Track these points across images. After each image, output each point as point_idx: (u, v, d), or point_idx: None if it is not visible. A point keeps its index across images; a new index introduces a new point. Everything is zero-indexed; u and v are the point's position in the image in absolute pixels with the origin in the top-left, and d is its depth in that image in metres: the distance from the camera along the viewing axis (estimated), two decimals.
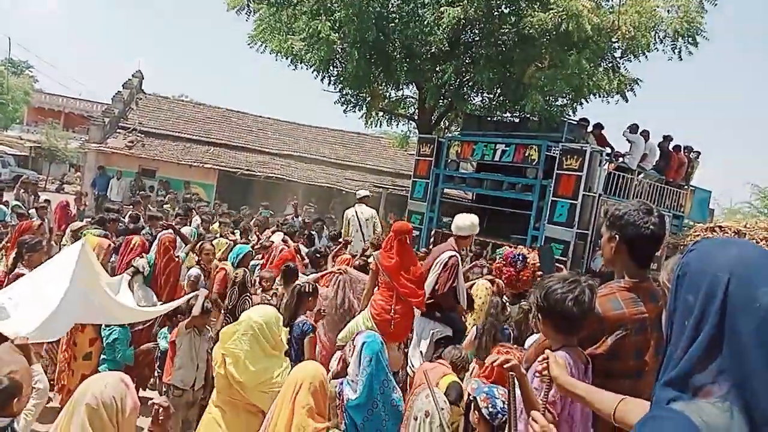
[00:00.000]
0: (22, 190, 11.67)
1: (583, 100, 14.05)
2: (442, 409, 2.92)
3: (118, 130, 20.25)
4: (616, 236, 2.56)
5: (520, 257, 6.59)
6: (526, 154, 11.21)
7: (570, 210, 10.33)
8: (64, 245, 6.98)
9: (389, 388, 3.33)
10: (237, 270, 6.11)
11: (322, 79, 14.81)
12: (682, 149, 13.12)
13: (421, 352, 5.56)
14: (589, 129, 12.30)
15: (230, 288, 5.71)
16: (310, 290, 5.11)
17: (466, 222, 5.90)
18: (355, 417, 3.16)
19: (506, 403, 2.87)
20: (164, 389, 5.24)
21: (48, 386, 3.47)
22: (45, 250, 5.70)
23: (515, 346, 4.49)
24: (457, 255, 5.72)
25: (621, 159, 11.84)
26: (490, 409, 3.01)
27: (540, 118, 12.43)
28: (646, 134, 12.05)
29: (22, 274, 5.01)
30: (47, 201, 9.98)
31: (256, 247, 7.96)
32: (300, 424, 2.88)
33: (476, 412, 3.09)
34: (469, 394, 3.25)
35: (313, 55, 13.04)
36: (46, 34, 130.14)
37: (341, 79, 14.68)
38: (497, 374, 3.70)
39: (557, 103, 13.85)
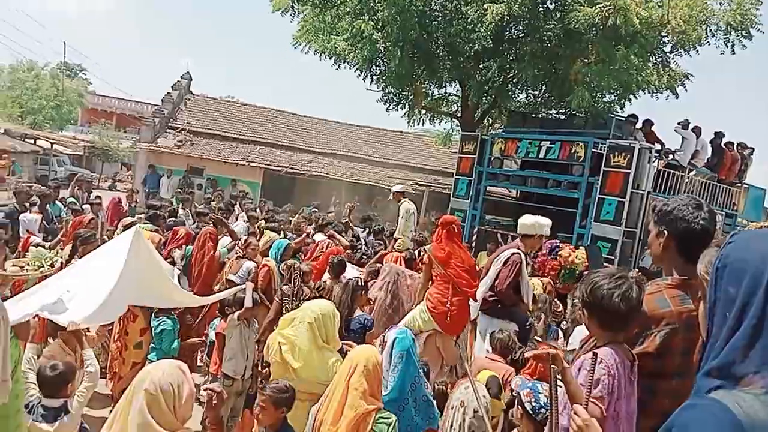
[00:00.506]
0: (76, 188, 12.12)
1: (631, 96, 13.72)
2: (484, 396, 2.92)
3: (167, 130, 20.82)
4: (665, 232, 2.51)
5: (556, 248, 6.60)
6: (572, 151, 11.03)
7: (617, 208, 10.13)
8: None
9: (420, 384, 3.36)
10: (288, 261, 6.19)
11: (365, 78, 14.92)
12: (735, 146, 12.69)
13: (487, 350, 5.54)
14: (639, 126, 12.02)
15: (292, 275, 5.72)
16: (362, 284, 5.21)
17: (529, 221, 5.91)
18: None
19: (549, 397, 2.88)
20: (210, 379, 5.38)
21: (99, 370, 3.60)
22: (98, 243, 5.92)
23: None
24: (520, 253, 5.68)
25: (671, 156, 11.54)
26: (533, 404, 3.01)
27: (586, 114, 12.23)
28: (697, 130, 11.71)
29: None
30: (99, 197, 10.35)
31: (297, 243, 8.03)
32: (352, 404, 2.94)
33: (519, 407, 3.09)
34: (512, 390, 3.25)
35: (356, 54, 13.15)
36: (97, 37, 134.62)
37: (384, 77, 14.74)
38: (540, 371, 3.70)
39: (604, 99, 13.58)
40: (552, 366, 2.17)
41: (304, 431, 3.15)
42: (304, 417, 3.21)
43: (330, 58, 14.42)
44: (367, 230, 10.62)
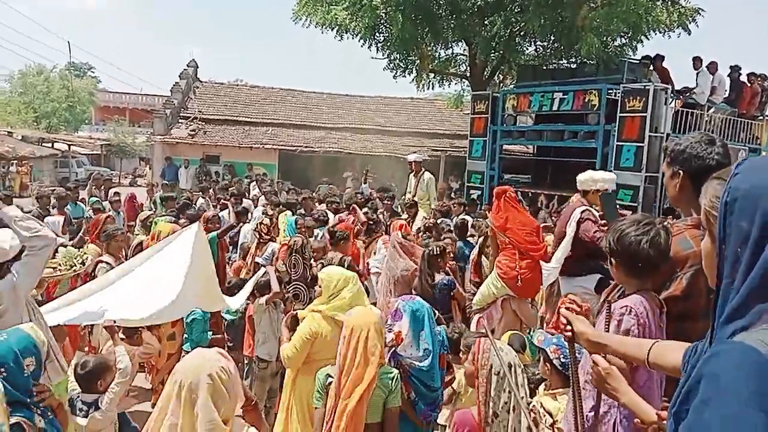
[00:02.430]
0: (93, 187, 12.27)
1: (642, 38, 13.38)
2: (506, 354, 2.92)
3: (180, 120, 20.88)
4: (680, 171, 2.45)
5: None
6: (586, 100, 10.84)
7: (637, 154, 9.98)
8: (137, 234, 7.33)
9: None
10: (295, 237, 6.25)
11: (369, 47, 14.74)
12: (754, 78, 12.32)
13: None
14: (651, 67, 11.73)
15: (292, 256, 5.82)
16: (439, 252, 5.43)
17: (584, 176, 5.92)
18: (425, 380, 3.25)
19: (578, 352, 2.89)
20: (246, 361, 5.47)
21: (129, 366, 3.67)
22: (123, 238, 6.04)
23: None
24: (590, 209, 5.65)
25: (688, 94, 11.26)
26: (562, 360, 2.99)
27: (597, 61, 11.98)
28: (713, 66, 11.38)
29: (103, 260, 5.33)
30: (117, 194, 10.50)
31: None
32: (358, 372, 3.05)
33: (546, 363, 3.08)
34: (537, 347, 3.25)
35: (358, 23, 12.98)
36: (100, 34, 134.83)
37: (388, 44, 14.55)
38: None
39: (614, 43, 13.26)
40: (568, 332, 2.15)
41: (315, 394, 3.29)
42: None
43: (332, 30, 14.23)
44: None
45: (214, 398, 2.19)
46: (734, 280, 1.15)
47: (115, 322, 3.80)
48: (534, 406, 2.86)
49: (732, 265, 1.17)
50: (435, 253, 5.41)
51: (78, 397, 3.33)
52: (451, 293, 5.46)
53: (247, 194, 11.60)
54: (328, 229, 7.10)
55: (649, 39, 13.47)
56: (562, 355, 3.00)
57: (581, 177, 5.90)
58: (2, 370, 2.31)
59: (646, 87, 10.02)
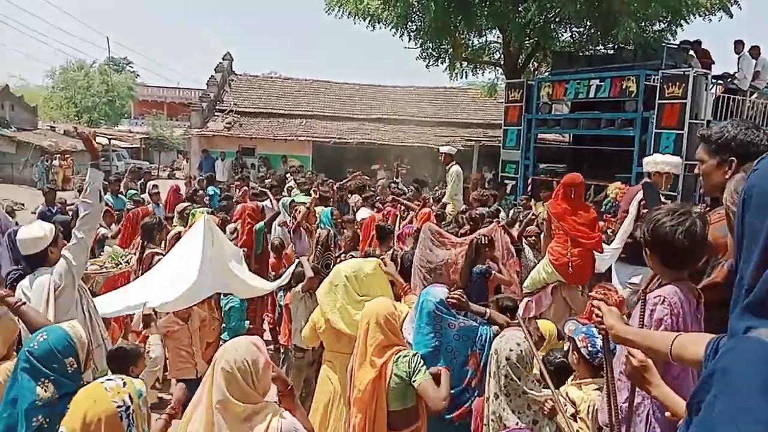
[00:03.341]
0: (129, 180, 12.55)
1: (681, 22, 13.00)
2: (518, 344, 2.94)
3: (216, 113, 21.18)
4: (732, 159, 2.38)
5: None
6: (624, 87, 10.62)
7: (676, 141, 9.73)
8: (175, 225, 7.49)
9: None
10: (321, 230, 6.34)
11: (401, 36, 14.67)
12: None
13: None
14: (691, 52, 11.41)
15: (315, 247, 5.93)
16: (486, 242, 5.52)
17: (649, 158, 5.94)
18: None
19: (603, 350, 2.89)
20: (282, 350, 5.55)
21: (161, 355, 3.78)
22: (165, 230, 6.22)
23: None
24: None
25: (729, 80, 10.92)
26: (590, 349, 2.97)
27: (635, 46, 11.71)
28: (756, 50, 11.01)
29: (157, 252, 5.48)
30: (156, 186, 10.72)
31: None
32: (372, 360, 3.15)
33: (575, 352, 3.07)
34: (566, 336, 3.23)
35: (390, 12, 12.95)
36: (136, 29, 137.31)
37: (420, 33, 14.46)
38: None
39: (653, 28, 12.92)
40: (601, 326, 2.14)
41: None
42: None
43: (364, 20, 14.22)
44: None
45: (230, 387, 2.27)
46: (748, 276, 1.12)
47: (153, 309, 3.91)
48: (552, 396, 2.85)
49: (746, 262, 1.14)
50: (483, 242, 5.48)
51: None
52: (487, 281, 5.49)
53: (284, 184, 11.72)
54: (376, 224, 7.11)
55: (689, 23, 13.09)
56: (589, 344, 2.98)
57: (648, 159, 5.99)
58: (48, 368, 2.38)
59: (686, 73, 9.75)
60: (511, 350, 2.88)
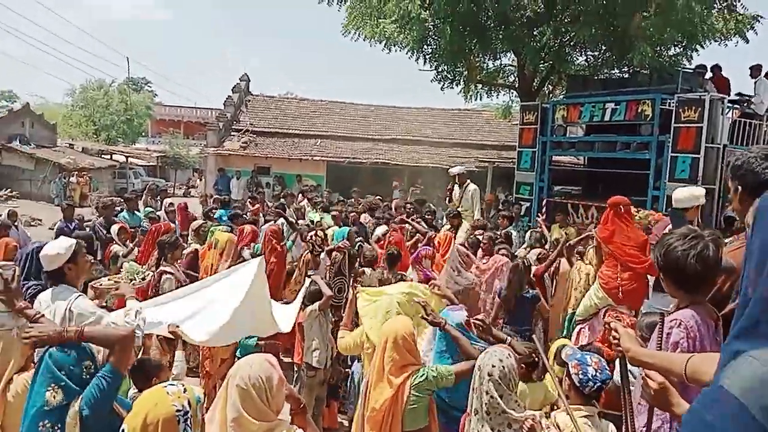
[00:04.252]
0: (149, 197, 12.68)
1: (697, 46, 13.01)
2: (500, 360, 2.91)
3: (232, 133, 21.41)
4: (739, 187, 2.42)
5: None
6: (639, 110, 10.61)
7: (692, 165, 9.69)
8: (190, 243, 7.54)
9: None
10: (335, 253, 6.36)
11: (417, 59, 14.79)
12: None
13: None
14: (707, 76, 11.40)
15: (329, 268, 5.96)
16: (528, 264, 5.70)
17: (683, 194, 5.92)
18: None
19: (599, 371, 2.93)
20: (295, 368, 5.54)
21: (185, 371, 3.79)
22: (182, 247, 6.26)
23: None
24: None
25: (746, 104, 10.88)
26: (581, 377, 2.94)
27: (651, 70, 11.72)
28: None
29: (167, 271, 5.52)
30: (172, 204, 10.82)
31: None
32: (388, 378, 3.19)
33: (567, 378, 3.03)
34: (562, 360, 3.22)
35: (406, 35, 13.06)
36: (155, 50, 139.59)
37: (436, 56, 14.57)
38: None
39: (669, 52, 12.93)
40: (618, 349, 2.14)
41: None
42: None
43: (380, 43, 14.38)
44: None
45: (245, 404, 2.28)
46: (746, 296, 1.12)
47: (178, 326, 3.93)
48: (534, 416, 2.82)
49: (747, 282, 1.14)
50: (527, 265, 5.61)
51: (134, 395, 3.47)
52: (535, 306, 5.69)
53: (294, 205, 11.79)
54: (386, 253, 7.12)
55: (704, 48, 13.10)
56: (581, 372, 2.96)
57: (681, 195, 5.94)
58: (63, 372, 2.43)
59: (702, 97, 9.74)
60: (493, 366, 2.83)
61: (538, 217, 10.97)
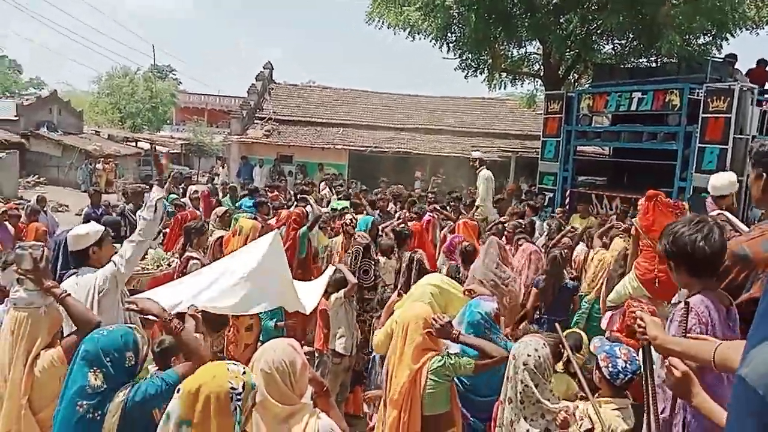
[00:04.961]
0: (172, 185, 12.82)
1: (727, 35, 12.73)
2: (536, 350, 2.90)
3: (255, 121, 21.54)
4: (763, 174, 2.38)
5: None
6: (666, 100, 10.44)
7: (720, 156, 9.53)
8: (215, 230, 7.62)
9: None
10: (359, 238, 6.39)
11: (440, 47, 14.71)
12: None
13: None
14: (740, 67, 11.17)
15: (352, 254, 5.98)
16: (564, 256, 5.86)
17: (721, 181, 5.80)
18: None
19: (628, 362, 2.93)
20: (316, 355, 5.59)
21: (209, 355, 3.86)
22: (209, 233, 6.34)
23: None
24: (723, 212, 5.57)
25: None
26: (611, 369, 2.95)
27: (679, 59, 11.52)
28: None
29: (193, 257, 5.60)
30: (196, 192, 10.95)
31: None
32: (407, 362, 3.21)
33: (597, 371, 3.04)
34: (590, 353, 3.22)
35: (430, 23, 12.99)
36: (183, 37, 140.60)
37: (460, 44, 14.47)
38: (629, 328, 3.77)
39: (698, 41, 12.68)
40: (643, 339, 2.13)
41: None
42: None
43: (404, 31, 14.32)
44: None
45: (269, 388, 2.31)
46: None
47: (197, 309, 4.00)
48: (567, 407, 2.82)
49: None
50: (564, 256, 5.75)
51: (156, 374, 3.55)
52: (573, 297, 5.86)
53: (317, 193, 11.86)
54: (392, 229, 7.24)
55: (735, 36, 12.82)
56: (610, 364, 2.97)
57: (719, 182, 5.81)
58: (108, 358, 2.46)
59: (731, 87, 9.54)
60: (528, 356, 2.84)
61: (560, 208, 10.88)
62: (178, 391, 2.06)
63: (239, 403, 2.02)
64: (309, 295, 5.04)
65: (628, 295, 5.54)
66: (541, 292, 5.85)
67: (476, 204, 9.26)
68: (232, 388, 2.02)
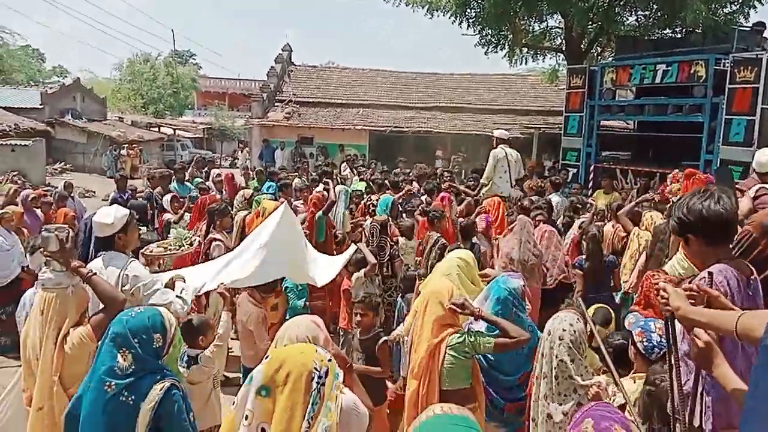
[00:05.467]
0: (195, 169, 12.98)
1: (755, 2, 12.36)
2: (571, 325, 2.90)
3: (276, 104, 21.59)
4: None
5: None
6: (692, 72, 10.22)
7: (747, 127, 9.33)
8: (239, 211, 7.71)
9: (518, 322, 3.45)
10: (380, 216, 6.43)
11: (460, 23, 14.54)
12: None
13: None
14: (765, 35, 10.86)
15: (371, 230, 6.04)
16: (600, 232, 6.04)
17: (767, 157, 5.63)
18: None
19: (663, 336, 2.85)
20: (341, 333, 5.67)
21: (230, 332, 3.96)
22: (231, 215, 6.44)
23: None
24: (765, 185, 5.41)
25: None
26: (646, 344, 2.94)
27: (704, 29, 11.25)
28: None
29: (216, 238, 5.69)
30: (219, 175, 11.09)
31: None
32: (427, 336, 3.26)
33: (632, 347, 3.03)
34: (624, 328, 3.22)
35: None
36: (199, 22, 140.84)
37: (479, 20, 14.29)
38: (647, 299, 3.87)
39: (724, 9, 12.34)
40: (666, 308, 2.12)
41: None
42: None
43: (422, 8, 14.18)
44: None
45: None
46: None
47: (224, 283, 4.11)
48: (600, 383, 2.83)
49: None
50: (600, 233, 5.92)
51: (185, 351, 3.65)
52: (613, 271, 5.98)
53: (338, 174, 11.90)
54: (422, 210, 7.25)
55: (763, 4, 12.45)
56: (645, 339, 2.95)
57: (764, 159, 5.63)
58: (136, 339, 2.51)
59: (759, 56, 9.29)
60: (564, 330, 2.86)
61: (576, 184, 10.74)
62: (267, 357, 2.08)
63: (320, 386, 1.99)
64: (326, 269, 5.13)
65: (679, 277, 5.36)
66: (588, 273, 5.86)
67: (481, 182, 9.15)
68: (316, 368, 2.01)
